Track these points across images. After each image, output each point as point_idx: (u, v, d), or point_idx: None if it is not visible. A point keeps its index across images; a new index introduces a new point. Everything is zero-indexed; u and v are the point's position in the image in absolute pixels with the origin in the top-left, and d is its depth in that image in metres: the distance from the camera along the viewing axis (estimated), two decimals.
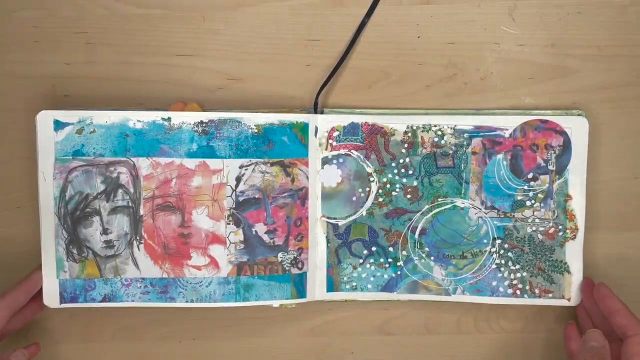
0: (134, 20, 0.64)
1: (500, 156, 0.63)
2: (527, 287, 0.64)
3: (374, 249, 0.65)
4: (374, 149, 0.64)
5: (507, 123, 0.63)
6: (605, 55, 0.64)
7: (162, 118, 0.61)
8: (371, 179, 0.64)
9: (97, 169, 0.61)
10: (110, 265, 0.62)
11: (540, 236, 0.64)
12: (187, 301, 0.63)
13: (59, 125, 0.60)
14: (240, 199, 0.62)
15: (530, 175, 0.63)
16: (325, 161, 0.63)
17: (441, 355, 0.68)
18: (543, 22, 0.64)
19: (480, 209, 0.64)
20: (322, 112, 0.64)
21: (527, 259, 0.64)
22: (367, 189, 0.64)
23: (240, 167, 0.62)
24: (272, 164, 0.62)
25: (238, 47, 0.65)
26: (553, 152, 0.62)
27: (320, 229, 0.64)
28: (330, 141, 0.63)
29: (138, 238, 0.62)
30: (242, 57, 0.65)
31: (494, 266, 0.64)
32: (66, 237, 0.61)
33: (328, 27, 0.64)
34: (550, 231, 0.64)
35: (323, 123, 0.63)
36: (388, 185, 0.64)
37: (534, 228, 0.64)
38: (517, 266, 0.64)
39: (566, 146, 0.62)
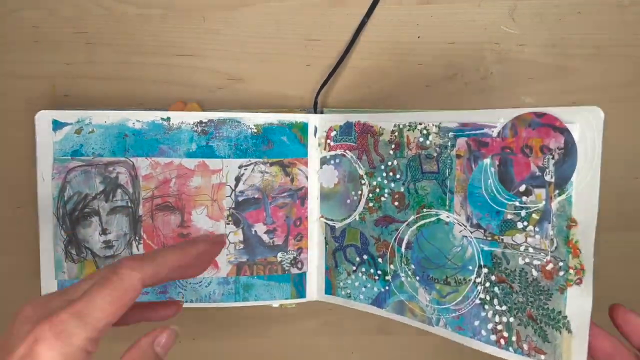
0: (134, 20, 0.64)
1: (487, 161, 0.51)
2: (514, 338, 0.50)
3: (365, 257, 0.62)
4: (365, 149, 0.61)
5: (496, 118, 0.50)
6: (605, 55, 0.64)
7: (161, 118, 0.61)
8: (362, 181, 0.61)
9: (96, 169, 0.61)
10: None
11: (534, 272, 0.49)
12: (186, 301, 0.63)
13: (57, 125, 0.60)
14: (240, 198, 0.62)
15: (522, 188, 0.49)
16: (324, 161, 0.63)
17: (441, 354, 0.68)
18: (543, 22, 0.64)
19: (466, 227, 0.53)
20: (321, 112, 0.64)
21: (516, 301, 0.50)
22: (359, 192, 0.62)
23: (240, 167, 0.62)
24: (271, 164, 0.62)
25: (238, 47, 0.65)
26: (551, 157, 0.47)
27: (319, 230, 0.64)
28: (328, 141, 0.63)
29: (137, 238, 0.62)
30: (242, 57, 0.65)
31: (477, 301, 0.53)
32: (65, 237, 0.61)
33: (328, 27, 0.64)
34: (547, 267, 0.48)
35: (322, 123, 0.63)
36: (377, 190, 0.60)
37: (526, 260, 0.49)
38: (504, 307, 0.51)
39: (569, 149, 0.46)
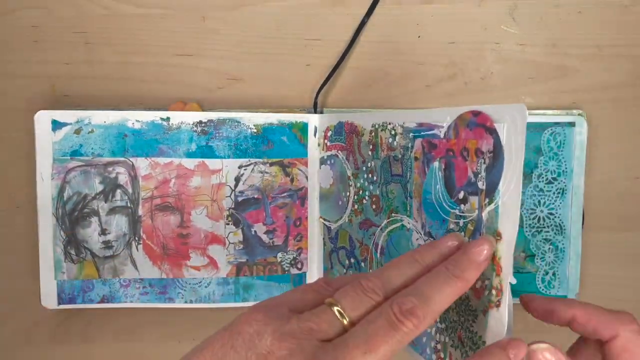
0: (134, 20, 0.64)
1: (436, 164, 0.45)
2: (447, 359, 0.44)
3: (352, 260, 0.60)
4: (351, 150, 0.59)
5: (443, 118, 0.45)
6: (605, 55, 0.64)
7: (160, 118, 0.61)
8: (349, 182, 0.60)
9: (95, 169, 0.61)
10: (108, 266, 0.62)
11: (468, 290, 0.41)
12: (185, 302, 0.63)
13: (57, 125, 0.60)
14: (240, 199, 0.62)
15: (460, 195, 0.43)
16: (322, 161, 0.63)
17: None
18: (543, 22, 0.64)
19: (421, 234, 0.48)
20: (321, 112, 0.64)
21: (452, 319, 0.44)
22: (348, 193, 0.60)
23: (240, 167, 0.62)
24: (271, 164, 0.62)
25: (238, 47, 0.65)
26: (483, 161, 0.41)
27: (318, 230, 0.64)
28: (326, 141, 0.63)
29: (137, 238, 0.62)
30: (242, 57, 0.65)
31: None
32: (64, 237, 0.61)
33: (328, 27, 0.64)
34: (477, 285, 0.41)
35: (321, 123, 0.63)
36: (360, 192, 0.58)
37: None
38: (443, 325, 0.45)
39: (497, 152, 0.39)
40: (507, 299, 0.39)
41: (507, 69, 0.64)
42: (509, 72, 0.64)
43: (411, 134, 0.49)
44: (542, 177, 0.63)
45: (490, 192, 0.40)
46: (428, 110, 0.47)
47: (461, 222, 0.43)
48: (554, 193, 0.63)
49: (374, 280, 0.38)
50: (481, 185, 0.41)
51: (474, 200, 0.41)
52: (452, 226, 0.44)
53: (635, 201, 0.65)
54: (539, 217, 0.63)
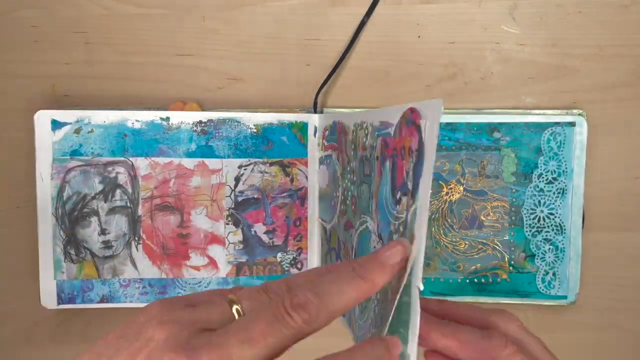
0: (134, 20, 0.64)
1: (387, 164, 0.42)
2: None
3: (339, 261, 0.57)
4: (341, 150, 0.56)
5: (395, 115, 0.41)
6: (606, 55, 0.64)
7: (160, 118, 0.61)
8: (339, 183, 0.56)
9: (95, 169, 0.61)
10: (108, 265, 0.62)
11: (389, 293, 0.38)
12: None
13: (56, 125, 0.60)
14: (239, 199, 0.62)
15: (398, 196, 0.40)
16: (321, 161, 0.63)
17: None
18: (543, 21, 0.64)
19: (376, 236, 0.45)
20: (321, 112, 0.64)
21: (377, 324, 0.41)
22: (337, 194, 0.57)
23: (239, 167, 0.62)
24: (271, 164, 0.62)
25: (238, 47, 0.65)
26: (412, 159, 0.38)
27: (318, 230, 0.64)
28: (324, 141, 0.62)
29: (136, 238, 0.62)
30: (242, 57, 0.65)
31: (370, 320, 0.44)
32: (64, 237, 0.61)
33: (328, 27, 0.64)
34: (389, 288, 0.39)
35: (320, 123, 0.63)
36: (346, 192, 0.54)
37: None
38: (374, 330, 0.42)
39: (420, 150, 0.37)
40: (397, 301, 0.36)
41: (507, 69, 0.64)
42: (509, 72, 0.64)
43: (376, 133, 0.46)
44: (542, 177, 0.63)
45: (414, 192, 0.37)
46: (387, 109, 0.44)
47: (397, 223, 0.40)
48: (554, 193, 0.63)
49: (279, 283, 0.37)
50: (410, 185, 0.38)
51: (404, 200, 0.39)
52: (392, 228, 0.41)
53: (635, 201, 0.65)
54: (539, 217, 0.63)
